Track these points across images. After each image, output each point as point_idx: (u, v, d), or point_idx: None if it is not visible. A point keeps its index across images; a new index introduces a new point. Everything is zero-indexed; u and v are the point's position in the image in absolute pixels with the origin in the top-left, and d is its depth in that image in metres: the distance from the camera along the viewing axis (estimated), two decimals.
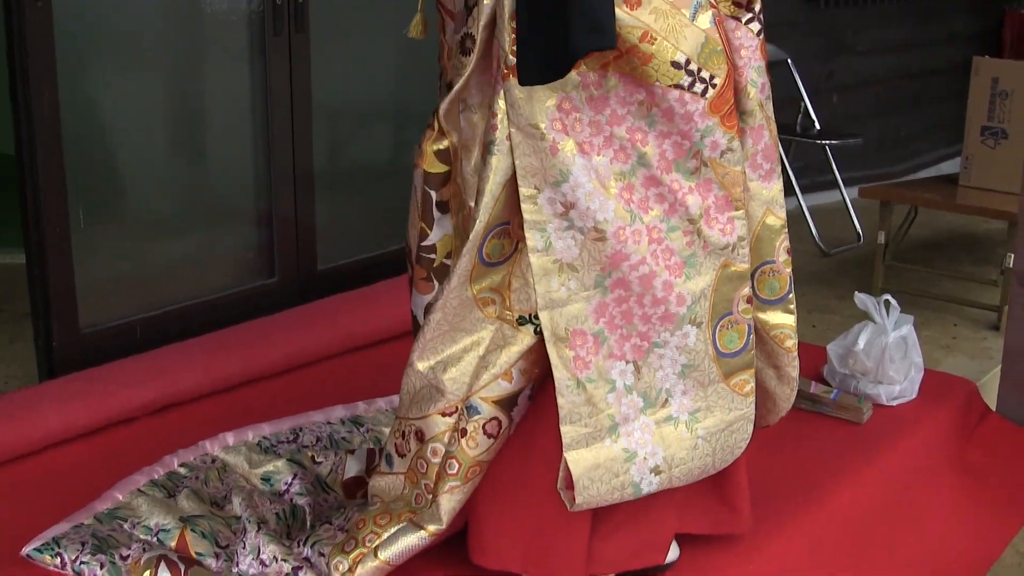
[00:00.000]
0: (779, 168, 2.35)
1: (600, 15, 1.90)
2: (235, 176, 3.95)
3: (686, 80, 2.06)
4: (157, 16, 3.65)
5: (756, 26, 2.25)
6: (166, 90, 3.78)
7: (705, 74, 2.07)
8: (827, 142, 5.62)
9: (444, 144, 2.20)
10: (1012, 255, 4.06)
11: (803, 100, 5.80)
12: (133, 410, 3.17)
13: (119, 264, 3.66)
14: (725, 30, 2.20)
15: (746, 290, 2.28)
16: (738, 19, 2.23)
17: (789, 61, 5.70)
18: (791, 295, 2.40)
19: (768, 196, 2.32)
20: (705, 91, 2.08)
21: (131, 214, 3.71)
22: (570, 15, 1.88)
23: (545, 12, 1.93)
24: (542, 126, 2.04)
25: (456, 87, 2.14)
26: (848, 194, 5.87)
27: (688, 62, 2.05)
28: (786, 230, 2.37)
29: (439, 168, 2.22)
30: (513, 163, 2.07)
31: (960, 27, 8.23)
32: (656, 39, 2.01)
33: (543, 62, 1.95)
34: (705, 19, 2.08)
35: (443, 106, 2.17)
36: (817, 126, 5.79)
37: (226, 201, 3.96)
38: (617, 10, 1.96)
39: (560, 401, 2.14)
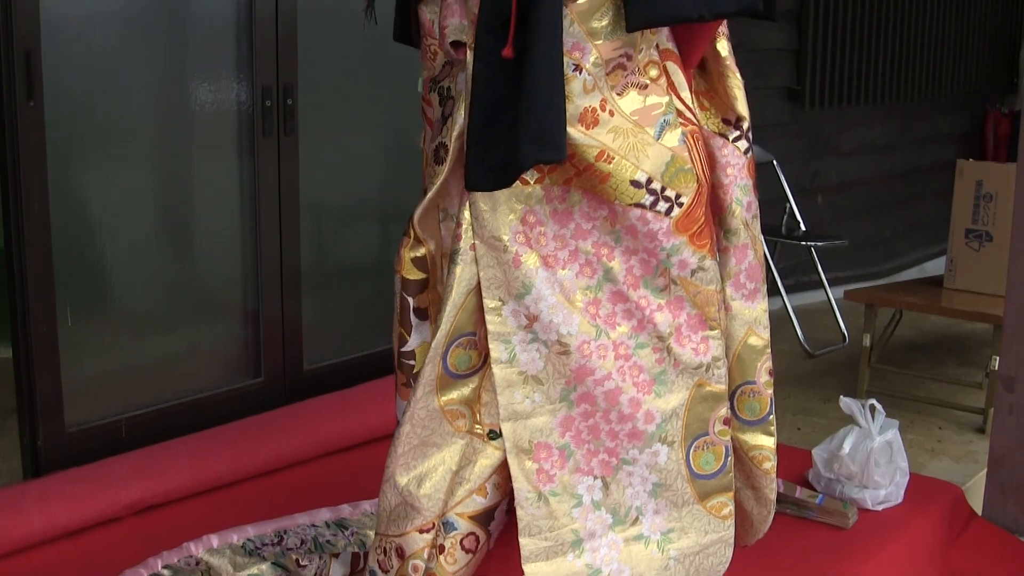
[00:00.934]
0: (764, 288, 2.33)
1: (548, 128, 1.87)
2: (222, 274, 3.96)
3: (647, 199, 2.02)
4: (148, 114, 3.68)
5: (743, 144, 2.25)
6: (156, 188, 3.80)
7: (670, 193, 2.04)
8: (812, 243, 5.66)
9: (421, 252, 2.19)
10: (997, 358, 4.08)
11: (788, 201, 5.85)
12: (117, 510, 3.15)
13: (106, 361, 3.65)
14: (710, 147, 2.21)
15: (723, 411, 2.25)
16: (725, 137, 2.24)
17: (775, 162, 5.77)
18: (772, 416, 2.36)
19: (751, 316, 2.30)
20: (670, 210, 2.05)
21: (119, 311, 3.71)
22: (519, 126, 1.86)
23: (496, 121, 1.91)
24: (505, 238, 2.02)
25: (429, 194, 2.14)
26: (833, 294, 5.90)
27: (650, 181, 2.01)
28: (769, 350, 2.34)
29: (416, 275, 2.21)
30: (477, 274, 2.05)
31: (944, 127, 8.35)
32: (614, 158, 1.98)
33: (490, 169, 1.93)
34: (673, 137, 2.05)
35: (417, 213, 2.17)
36: (802, 227, 5.84)
37: (213, 299, 3.96)
38: (571, 129, 1.93)
39: (519, 513, 2.10)
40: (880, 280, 7.33)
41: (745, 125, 2.26)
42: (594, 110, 1.96)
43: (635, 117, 2.01)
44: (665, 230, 2.06)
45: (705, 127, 2.23)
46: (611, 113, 1.98)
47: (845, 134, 7.04)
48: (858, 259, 7.11)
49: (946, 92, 8.14)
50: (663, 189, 2.03)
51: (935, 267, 7.35)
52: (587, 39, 1.93)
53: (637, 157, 2.00)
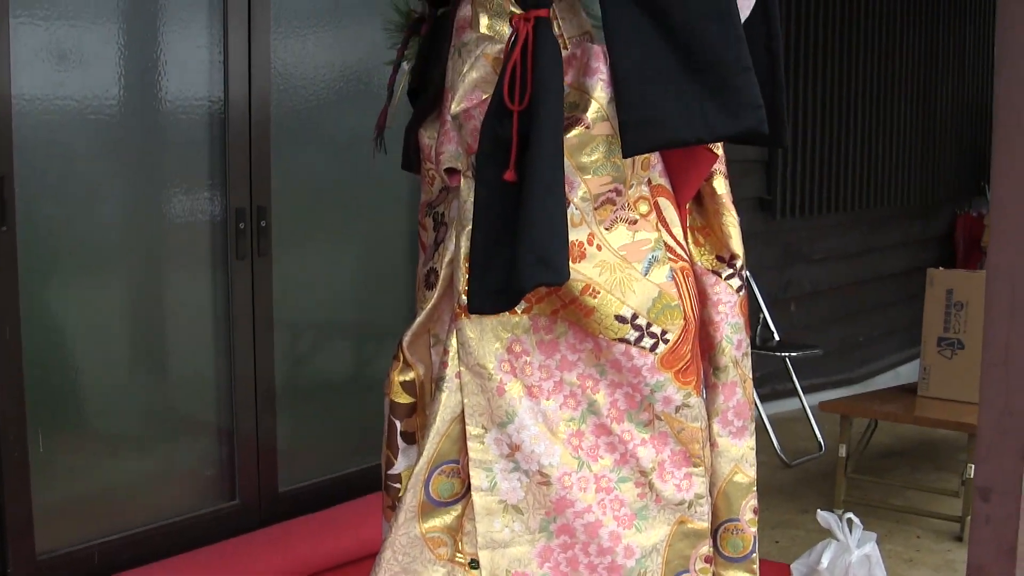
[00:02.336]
0: (752, 425, 2.31)
1: (550, 250, 1.86)
2: (196, 395, 3.95)
3: (632, 334, 2.02)
4: (121, 237, 3.69)
5: (736, 282, 2.26)
6: (129, 310, 3.80)
7: (656, 329, 2.03)
8: (787, 354, 5.68)
9: (410, 376, 2.18)
10: (972, 466, 4.08)
11: (762, 311, 5.88)
12: None
13: (78, 486, 3.62)
14: (702, 284, 2.21)
15: (705, 548, 2.23)
16: (718, 274, 2.24)
17: (747, 274, 5.80)
18: (755, 554, 2.34)
19: (737, 454, 2.28)
20: (655, 346, 2.04)
21: (91, 434, 3.69)
22: (519, 248, 1.86)
23: (498, 244, 1.91)
24: (490, 367, 2.02)
25: (419, 319, 2.15)
26: (809, 401, 5.92)
27: (635, 316, 2.01)
28: (754, 488, 2.32)
29: (405, 399, 2.20)
30: (462, 401, 2.05)
31: (914, 232, 8.43)
32: (599, 292, 1.98)
33: (492, 293, 1.93)
34: (660, 273, 2.05)
35: (407, 337, 2.17)
36: (776, 336, 5.87)
37: (187, 421, 3.95)
38: None
39: None
40: (855, 385, 7.34)
41: (739, 263, 2.27)
42: (581, 244, 1.96)
43: (623, 252, 2.01)
44: (650, 366, 2.05)
45: (698, 264, 2.24)
46: (598, 247, 1.99)
47: (817, 242, 7.10)
48: (833, 365, 7.13)
49: (915, 197, 8.23)
50: (648, 325, 2.03)
51: (910, 371, 7.38)
52: (576, 173, 1.94)
53: (623, 292, 2.00)
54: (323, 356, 4.48)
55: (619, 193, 2.00)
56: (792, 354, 5.69)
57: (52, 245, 3.50)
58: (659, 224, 2.09)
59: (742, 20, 2.07)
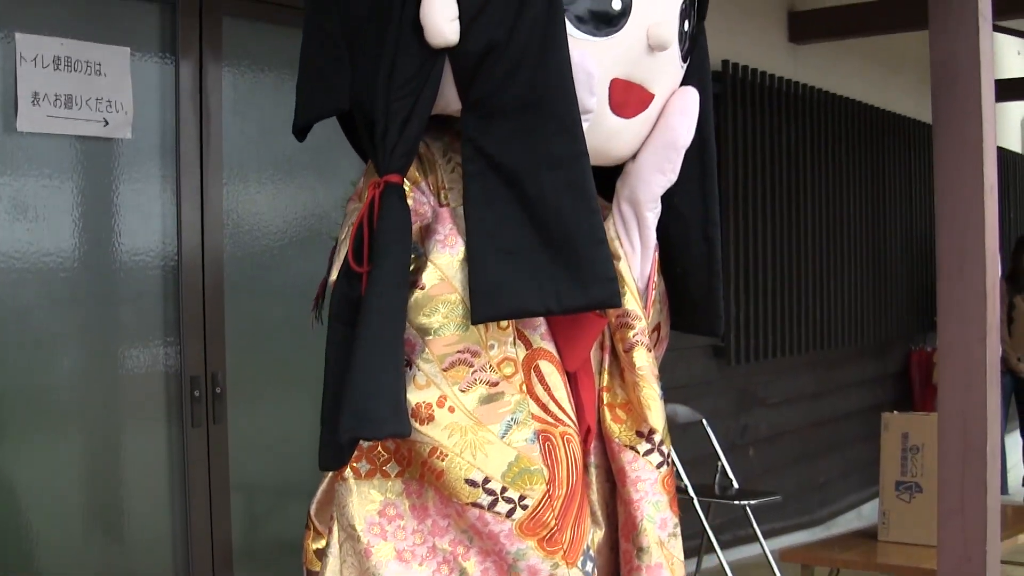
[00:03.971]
0: None
1: (368, 404, 1.82)
2: (153, 557, 3.90)
3: (485, 499, 1.93)
4: (76, 407, 3.69)
5: (656, 458, 2.17)
6: (83, 470, 3.77)
7: (512, 494, 1.93)
8: (746, 502, 5.67)
9: (322, 543, 2.11)
10: None
11: (719, 459, 5.89)
12: None
13: None
14: (619, 462, 2.15)
15: None
16: (636, 450, 2.16)
17: (704, 421, 5.82)
18: None
19: None
20: (512, 512, 1.94)
21: None
22: (343, 402, 1.84)
23: (337, 400, 1.89)
24: (359, 528, 1.97)
25: (321, 486, 2.12)
26: (770, 546, 5.89)
27: (487, 480, 1.92)
28: None
29: (319, 567, 2.11)
30: (340, 564, 2.01)
31: (869, 371, 8.51)
32: (447, 455, 1.90)
33: (328, 447, 1.92)
34: (520, 436, 1.95)
35: (313, 505, 2.14)
36: (735, 484, 5.86)
37: None
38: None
39: None
40: (818, 528, 7.34)
41: (657, 438, 2.18)
42: (429, 405, 1.90)
43: (478, 414, 1.93)
44: (507, 532, 1.95)
45: (616, 440, 2.17)
46: (451, 409, 1.92)
47: (772, 386, 7.15)
48: (794, 508, 7.13)
49: (868, 336, 8.32)
50: (503, 490, 1.94)
51: (872, 510, 7.37)
52: (417, 335, 1.91)
53: (474, 455, 1.92)
54: (280, 517, 4.45)
55: (475, 355, 1.94)
56: (751, 502, 5.68)
57: (3, 401, 3.48)
58: (536, 389, 2.02)
59: (658, 191, 2.11)
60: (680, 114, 2.12)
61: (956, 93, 3.62)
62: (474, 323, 1.91)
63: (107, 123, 3.61)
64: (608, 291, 1.90)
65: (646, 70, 2.05)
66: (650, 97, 2.07)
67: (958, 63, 3.62)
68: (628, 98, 2.04)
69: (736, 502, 5.66)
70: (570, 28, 1.93)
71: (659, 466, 2.18)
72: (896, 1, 7.11)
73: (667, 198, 2.17)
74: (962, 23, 3.62)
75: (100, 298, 3.72)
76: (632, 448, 2.16)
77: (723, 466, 5.90)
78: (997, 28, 10.27)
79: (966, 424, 3.71)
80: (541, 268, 1.89)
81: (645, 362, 2.14)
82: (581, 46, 1.94)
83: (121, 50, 3.67)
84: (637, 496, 2.15)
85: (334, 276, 1.99)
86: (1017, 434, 9.28)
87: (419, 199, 2.01)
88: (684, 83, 2.19)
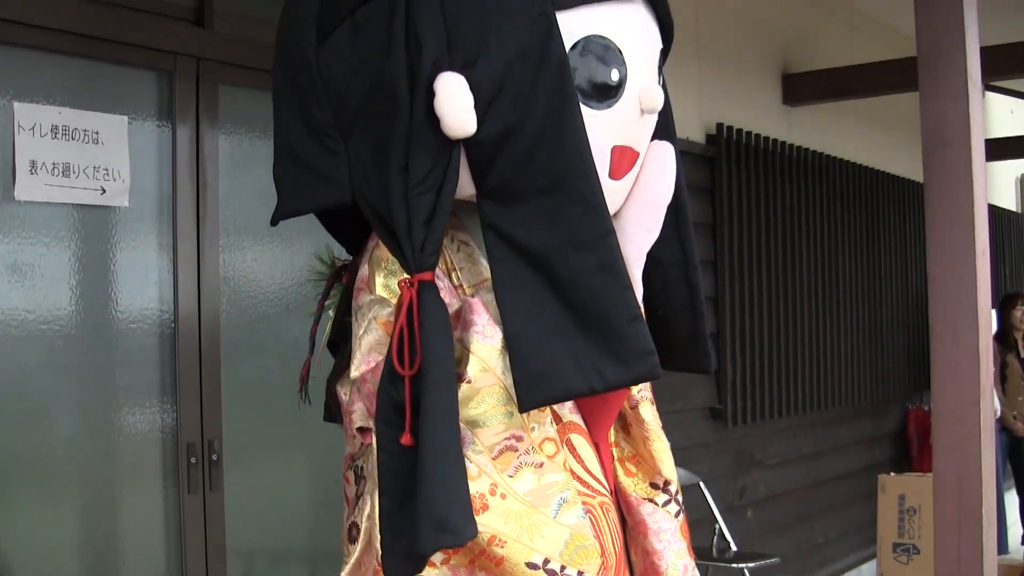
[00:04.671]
0: None
1: (449, 514, 1.81)
2: None
3: None
4: (71, 475, 3.68)
5: (674, 507, 2.22)
6: (78, 534, 3.75)
7: (571, 571, 1.94)
8: (744, 565, 5.66)
9: None
10: None
11: (717, 521, 5.88)
12: None
13: None
14: (639, 515, 2.19)
15: None
16: (654, 502, 2.21)
17: (701, 484, 5.82)
18: None
19: None
20: None
21: None
22: (419, 514, 1.81)
23: (402, 508, 1.87)
24: None
25: (343, 574, 2.10)
26: None
27: (547, 561, 1.92)
28: None
29: None
30: None
31: (867, 430, 8.50)
32: (506, 542, 1.90)
33: (401, 557, 1.88)
34: (572, 514, 1.97)
35: None
36: (733, 547, 5.84)
37: None
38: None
39: None
40: None
41: (673, 488, 2.24)
42: (482, 495, 1.91)
43: (529, 498, 1.94)
44: None
45: (633, 494, 2.22)
46: (502, 496, 1.93)
47: (770, 447, 7.14)
48: (793, 570, 7.10)
49: (866, 396, 8.32)
50: (563, 568, 1.94)
51: (871, 570, 7.36)
52: (466, 428, 1.91)
53: (531, 538, 1.92)
54: None
55: (519, 439, 1.96)
56: (749, 564, 5.67)
57: None
58: (575, 460, 2.06)
59: (646, 247, 2.11)
60: (661, 171, 2.13)
61: (947, 158, 3.65)
62: (522, 411, 1.91)
63: (104, 191, 3.63)
64: (649, 365, 1.91)
65: (636, 132, 2.07)
66: (637, 156, 2.09)
67: (949, 128, 3.66)
68: (622, 162, 2.06)
69: (735, 565, 5.65)
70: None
71: (676, 515, 2.23)
72: (888, 64, 7.18)
73: None
74: (952, 88, 3.66)
75: (96, 364, 3.73)
76: (651, 500, 2.21)
77: (721, 528, 5.89)
78: (990, 87, 10.37)
79: (961, 487, 3.72)
80: (581, 348, 1.89)
81: (651, 416, 2.22)
82: (585, 121, 1.94)
83: (118, 119, 3.70)
84: (660, 546, 2.19)
85: (356, 372, 1.99)
86: (1014, 492, 9.26)
87: (439, 286, 1.98)
88: (654, 133, 2.21)
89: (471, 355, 1.91)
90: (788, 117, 7.53)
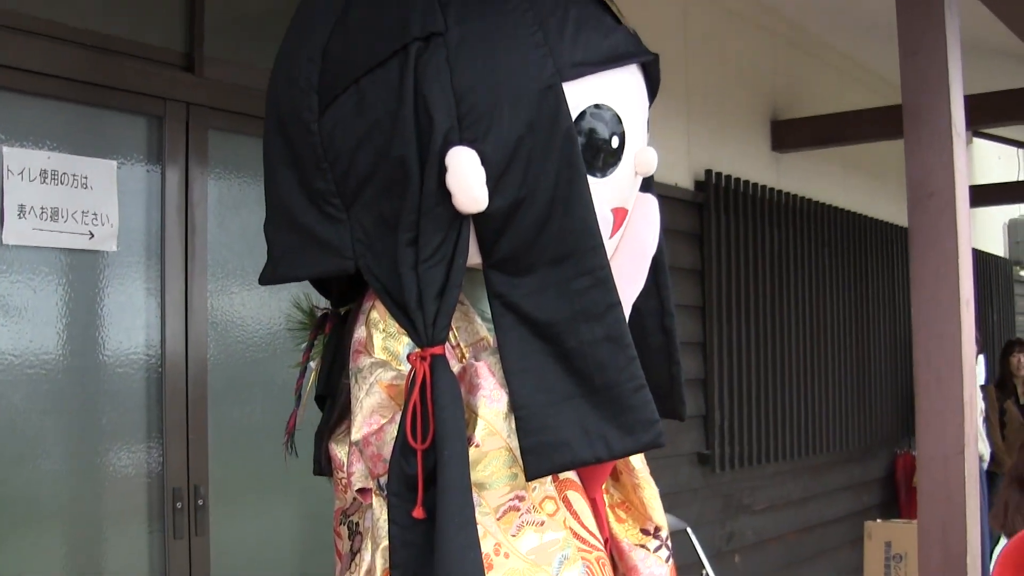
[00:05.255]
0: None
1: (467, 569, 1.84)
2: None
3: None
4: (56, 503, 3.65)
5: (664, 552, 2.23)
6: None
7: None
8: None
9: None
10: None
11: (704, 568, 5.86)
12: None
13: None
14: (631, 560, 2.19)
15: None
16: (646, 548, 2.22)
17: (688, 529, 5.81)
18: None
19: None
20: None
21: None
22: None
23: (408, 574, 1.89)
24: None
25: None
26: None
27: None
28: None
29: None
30: None
31: (855, 476, 8.51)
32: None
33: None
34: (573, 571, 1.99)
35: None
36: None
37: None
38: None
39: None
40: None
41: (664, 534, 2.25)
42: (487, 556, 1.92)
43: (531, 556, 1.96)
44: None
45: (624, 541, 2.23)
46: (506, 555, 1.94)
47: (758, 492, 7.14)
48: None
49: (853, 441, 8.33)
50: None
51: None
52: (474, 490, 1.91)
53: None
54: None
55: (522, 499, 1.98)
56: None
57: None
58: (573, 518, 2.06)
59: (632, 299, 2.11)
60: (647, 225, 2.14)
61: (932, 208, 3.68)
62: (528, 479, 1.92)
63: (92, 236, 3.64)
64: (653, 433, 1.92)
65: (630, 192, 2.10)
66: (627, 212, 2.11)
67: (934, 179, 3.69)
68: (618, 221, 2.08)
69: None
70: None
71: (667, 560, 2.23)
72: (875, 111, 7.24)
73: None
74: (937, 139, 3.69)
75: (83, 407, 3.72)
76: (642, 547, 2.22)
77: (708, 574, 5.88)
78: (978, 134, 10.44)
79: (946, 536, 3.72)
80: (587, 418, 1.91)
81: (640, 463, 2.23)
82: (592, 190, 1.95)
83: (108, 163, 3.71)
84: None
85: (358, 434, 1.99)
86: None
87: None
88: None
89: (479, 419, 1.92)
90: (777, 163, 7.57)
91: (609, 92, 1.99)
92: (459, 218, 1.89)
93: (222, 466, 4.04)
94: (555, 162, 1.89)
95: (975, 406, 3.71)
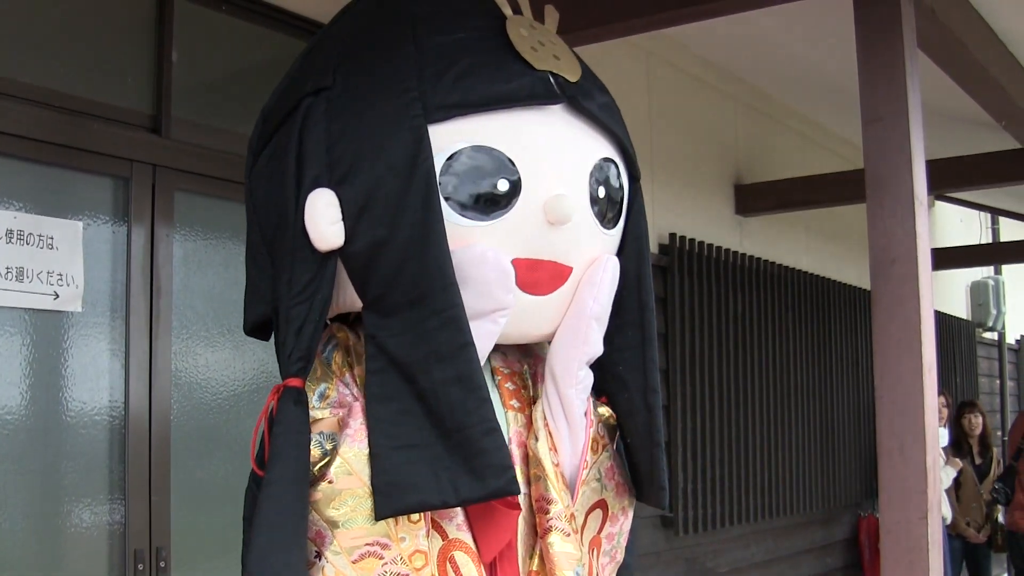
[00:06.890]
0: None
1: None
2: None
3: None
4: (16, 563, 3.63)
5: None
6: None
7: None
8: None
9: None
10: None
11: None
12: None
13: None
14: None
15: None
16: None
17: None
18: None
19: None
20: None
21: None
22: None
23: None
24: None
25: None
26: None
27: None
28: None
29: None
30: None
31: (818, 538, 8.52)
32: None
33: None
34: None
35: None
36: None
37: None
38: None
39: None
40: None
41: None
42: None
43: None
44: None
45: None
46: None
47: (720, 556, 7.13)
48: None
49: (817, 504, 8.34)
50: None
51: None
52: (327, 527, 1.94)
53: None
54: None
55: (385, 547, 1.95)
56: None
57: None
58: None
59: (576, 363, 2.12)
60: (587, 284, 2.12)
61: (894, 275, 3.71)
62: (377, 519, 1.93)
63: (57, 296, 3.63)
64: (503, 480, 1.91)
65: (552, 244, 2.05)
66: (567, 271, 2.08)
67: (896, 246, 3.72)
68: (538, 276, 2.05)
69: None
70: (455, 217, 1.95)
71: None
72: (838, 176, 7.33)
73: (612, 367, 2.21)
74: (899, 207, 3.73)
75: (45, 468, 3.69)
76: None
77: None
78: (940, 197, 10.53)
79: None
80: (438, 461, 1.91)
81: (560, 548, 2.10)
82: (470, 234, 1.96)
83: (73, 224, 3.71)
84: None
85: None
86: None
87: (342, 392, 2.03)
88: (621, 248, 2.22)
89: (338, 456, 1.94)
90: (740, 227, 7.62)
91: (496, 134, 1.98)
92: (324, 258, 1.96)
93: (185, 527, 4.01)
94: (412, 203, 1.91)
95: (938, 471, 3.72)
